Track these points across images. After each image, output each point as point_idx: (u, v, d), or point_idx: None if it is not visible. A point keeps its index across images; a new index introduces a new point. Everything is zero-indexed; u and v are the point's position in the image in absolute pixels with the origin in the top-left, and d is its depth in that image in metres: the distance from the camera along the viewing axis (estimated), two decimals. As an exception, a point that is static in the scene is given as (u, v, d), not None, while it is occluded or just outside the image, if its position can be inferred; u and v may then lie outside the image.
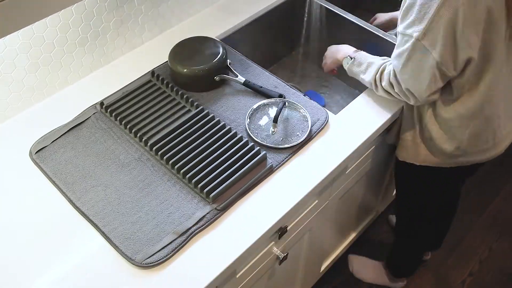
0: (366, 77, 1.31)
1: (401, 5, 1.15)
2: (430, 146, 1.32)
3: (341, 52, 1.41)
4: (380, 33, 1.57)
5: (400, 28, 1.13)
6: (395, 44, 1.52)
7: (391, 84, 1.23)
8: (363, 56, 1.34)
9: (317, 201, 1.33)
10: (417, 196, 1.56)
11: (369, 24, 1.60)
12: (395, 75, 1.20)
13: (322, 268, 1.83)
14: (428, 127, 1.29)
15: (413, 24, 1.09)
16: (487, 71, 1.16)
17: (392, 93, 1.25)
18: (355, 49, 1.39)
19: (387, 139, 1.48)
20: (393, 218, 2.12)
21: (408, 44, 1.11)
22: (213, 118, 1.27)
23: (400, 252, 1.82)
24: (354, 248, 1.99)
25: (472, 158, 1.32)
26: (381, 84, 1.26)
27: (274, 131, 1.25)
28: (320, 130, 1.27)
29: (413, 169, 1.41)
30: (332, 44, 1.50)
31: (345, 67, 1.38)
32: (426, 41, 1.08)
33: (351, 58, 1.35)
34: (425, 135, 1.31)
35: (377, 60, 1.29)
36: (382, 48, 1.59)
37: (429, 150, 1.33)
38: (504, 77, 1.20)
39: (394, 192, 2.03)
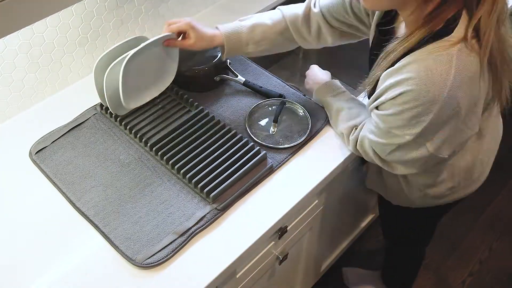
0: (333, 124, 1.25)
1: (370, 76, 1.06)
2: (422, 194, 1.26)
3: (318, 80, 1.32)
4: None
5: (385, 125, 1.03)
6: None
7: (365, 153, 1.15)
8: (329, 101, 1.25)
9: (317, 201, 1.33)
10: (401, 231, 1.55)
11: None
12: (373, 150, 1.12)
13: (322, 268, 1.83)
14: (411, 179, 1.23)
15: (403, 128, 1.00)
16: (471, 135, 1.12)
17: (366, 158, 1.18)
18: (329, 79, 1.31)
19: (369, 185, 1.42)
20: None
21: (398, 141, 1.03)
22: (213, 118, 1.27)
23: (392, 266, 1.80)
24: (348, 255, 1.97)
25: (465, 191, 1.28)
26: (347, 144, 1.21)
27: (274, 131, 1.25)
28: (320, 130, 1.27)
29: (397, 208, 1.37)
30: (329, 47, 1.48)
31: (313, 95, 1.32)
32: (420, 139, 1.01)
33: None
34: (414, 185, 1.25)
35: (345, 118, 1.20)
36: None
37: (422, 197, 1.27)
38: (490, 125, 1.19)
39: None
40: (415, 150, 1.04)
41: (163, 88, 1.28)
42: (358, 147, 1.16)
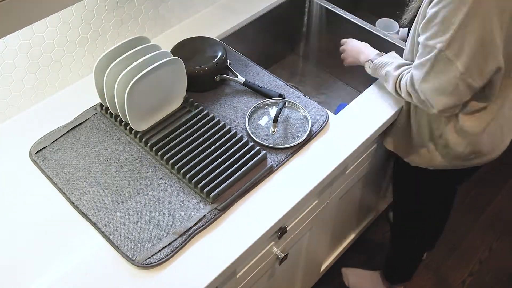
0: (388, 86, 1.29)
1: (418, 15, 1.14)
2: (444, 152, 1.30)
3: (363, 54, 1.38)
4: (380, 33, 1.57)
5: (421, 38, 1.11)
6: (395, 44, 1.53)
7: (409, 94, 1.20)
8: (383, 62, 1.30)
9: (317, 201, 1.33)
10: (417, 198, 1.55)
11: (369, 24, 1.60)
12: (412, 85, 1.17)
13: (322, 268, 1.83)
14: (444, 136, 1.27)
15: (436, 35, 1.07)
16: (509, 80, 1.15)
17: (412, 102, 1.23)
18: (377, 52, 1.36)
19: (386, 143, 1.46)
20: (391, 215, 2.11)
21: (431, 55, 1.09)
22: (213, 118, 1.27)
23: (397, 255, 1.81)
24: (349, 254, 1.97)
25: (485, 158, 1.31)
26: (401, 95, 1.24)
27: (274, 131, 1.25)
28: (320, 130, 1.27)
29: (415, 171, 1.40)
30: (331, 44, 1.49)
31: (368, 71, 1.37)
32: (450, 51, 1.06)
33: (372, 62, 1.33)
34: (439, 142, 1.29)
35: (394, 70, 1.25)
36: (382, 49, 1.59)
37: (444, 156, 1.31)
38: None
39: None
40: (446, 71, 1.08)
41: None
42: (407, 87, 1.19)
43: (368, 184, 1.71)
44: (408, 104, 1.32)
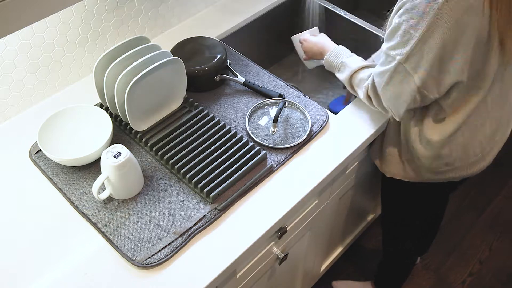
0: (341, 76, 1.30)
1: (387, 24, 1.15)
2: (417, 165, 1.29)
3: (324, 48, 1.38)
4: (380, 33, 1.57)
5: (384, 47, 1.12)
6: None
7: (368, 97, 1.22)
8: (341, 51, 1.32)
9: (317, 201, 1.33)
10: (404, 211, 1.53)
11: (369, 24, 1.60)
12: (374, 90, 1.19)
13: (322, 268, 1.83)
14: (414, 146, 1.26)
15: (397, 47, 1.08)
16: (476, 93, 1.15)
17: (369, 104, 1.24)
18: (335, 45, 1.37)
19: (371, 155, 1.44)
20: None
21: (391, 65, 1.10)
22: (213, 118, 1.27)
23: (388, 264, 1.80)
24: (340, 263, 1.97)
25: (461, 172, 1.29)
26: (357, 90, 1.26)
27: (274, 131, 1.25)
28: (320, 130, 1.27)
29: (400, 184, 1.39)
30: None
31: (324, 62, 1.37)
32: (408, 64, 1.07)
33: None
34: (413, 154, 1.28)
35: (354, 63, 1.27)
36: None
37: (417, 169, 1.30)
38: (493, 95, 1.19)
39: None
40: (405, 82, 1.10)
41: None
42: (368, 91, 1.21)
43: (368, 185, 1.71)
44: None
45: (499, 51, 1.08)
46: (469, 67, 1.08)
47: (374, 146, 1.41)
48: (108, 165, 1.06)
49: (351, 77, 1.26)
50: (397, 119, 1.21)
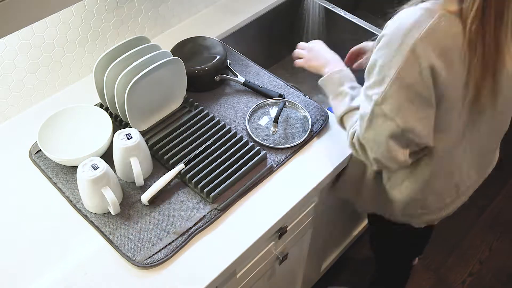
0: (333, 104, 1.16)
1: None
2: (392, 208, 1.22)
3: (331, 65, 1.21)
4: (380, 33, 1.56)
5: (364, 86, 1.01)
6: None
7: (353, 144, 1.07)
8: (348, 77, 1.16)
9: (317, 201, 1.33)
10: (388, 247, 1.49)
11: (369, 24, 1.60)
12: (357, 139, 1.05)
13: (322, 268, 1.83)
14: (388, 191, 1.18)
15: (373, 86, 0.97)
16: (442, 140, 1.05)
17: (355, 154, 1.10)
18: (342, 67, 1.20)
19: (336, 192, 1.35)
20: None
21: (370, 108, 0.98)
22: (213, 118, 1.27)
23: (381, 272, 1.75)
24: (335, 270, 1.96)
25: (438, 214, 1.22)
26: (346, 133, 1.11)
27: (274, 131, 1.25)
28: (320, 130, 1.27)
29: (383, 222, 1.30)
30: (331, 44, 1.47)
31: (322, 79, 1.20)
32: (386, 106, 0.95)
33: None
34: (387, 197, 1.20)
35: (352, 101, 1.11)
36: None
37: (393, 212, 1.23)
38: (464, 141, 1.10)
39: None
40: (385, 126, 0.97)
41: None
42: (353, 137, 1.07)
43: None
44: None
45: (471, 103, 0.99)
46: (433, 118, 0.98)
47: (340, 184, 1.31)
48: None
49: (345, 114, 1.11)
50: (393, 169, 1.09)
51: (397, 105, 0.95)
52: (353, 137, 1.06)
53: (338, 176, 1.29)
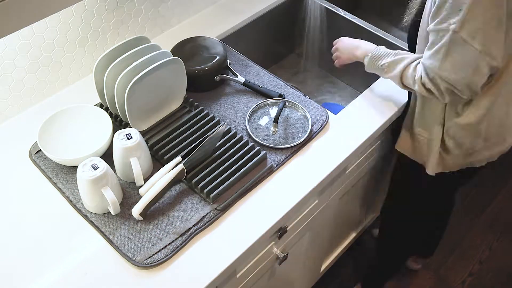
0: (388, 75, 1.24)
1: (425, 8, 1.12)
2: (457, 152, 1.28)
3: (360, 49, 1.32)
4: (380, 33, 1.57)
5: (431, 26, 1.08)
6: (395, 45, 1.53)
7: (427, 89, 1.14)
8: (383, 53, 1.25)
9: (317, 201, 1.33)
10: (414, 199, 1.53)
11: (369, 24, 1.60)
12: (427, 75, 1.12)
13: (322, 268, 1.83)
14: (452, 130, 1.25)
15: (448, 17, 1.03)
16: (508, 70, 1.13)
17: (431, 96, 1.17)
18: (375, 46, 1.30)
19: (398, 145, 1.42)
20: (376, 232, 2.09)
21: (445, 39, 1.05)
22: (213, 118, 1.27)
23: (379, 262, 1.79)
24: (340, 266, 1.97)
25: (497, 148, 1.28)
26: (413, 87, 1.18)
27: (274, 131, 1.25)
28: (320, 130, 1.27)
29: (416, 174, 1.38)
30: (330, 44, 1.48)
31: (365, 65, 1.30)
32: (464, 32, 1.02)
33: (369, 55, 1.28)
34: (450, 141, 1.27)
35: (400, 61, 1.20)
36: (382, 48, 1.58)
37: (456, 157, 1.29)
38: None
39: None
40: (464, 53, 1.05)
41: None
42: (422, 81, 1.14)
43: (368, 184, 1.71)
44: (418, 101, 1.30)
45: None
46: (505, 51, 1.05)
47: (404, 140, 1.39)
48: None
49: (401, 78, 1.20)
50: (468, 97, 1.13)
51: (474, 29, 1.02)
52: (421, 79, 1.14)
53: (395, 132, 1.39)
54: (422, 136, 1.33)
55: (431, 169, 1.34)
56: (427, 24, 1.13)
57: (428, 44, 1.11)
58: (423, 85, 1.14)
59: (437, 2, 1.06)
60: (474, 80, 1.09)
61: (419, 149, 1.36)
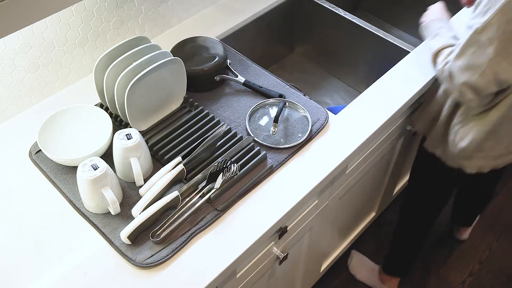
0: (431, 45, 1.29)
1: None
2: (454, 147, 1.31)
3: (434, 16, 1.38)
4: (380, 33, 1.57)
5: (467, 20, 1.13)
6: (395, 45, 1.54)
7: (442, 72, 1.20)
8: (433, 26, 1.32)
9: (317, 201, 1.33)
10: (430, 191, 1.59)
11: (369, 24, 1.60)
12: (449, 67, 1.18)
13: (322, 268, 1.83)
14: (458, 131, 1.28)
15: (477, 16, 1.08)
16: None
17: (445, 83, 1.22)
18: (439, 16, 1.36)
19: (428, 145, 1.47)
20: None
21: (467, 36, 1.10)
22: (213, 118, 1.27)
23: (398, 245, 1.81)
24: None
25: (492, 162, 1.32)
26: (436, 67, 1.25)
27: (274, 131, 1.25)
28: (320, 130, 1.27)
29: (436, 164, 1.43)
30: (331, 44, 1.48)
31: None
32: (484, 35, 1.06)
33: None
34: (473, 145, 1.29)
35: (446, 39, 1.25)
36: (382, 48, 1.59)
37: (481, 159, 1.32)
38: None
39: (394, 192, 2.03)
40: (479, 53, 1.07)
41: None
42: (443, 67, 1.20)
43: (368, 184, 1.71)
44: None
45: None
46: None
47: (436, 133, 1.42)
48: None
49: (442, 48, 1.24)
50: (477, 99, 1.16)
51: (493, 36, 1.05)
52: (445, 65, 1.19)
53: (416, 109, 1.45)
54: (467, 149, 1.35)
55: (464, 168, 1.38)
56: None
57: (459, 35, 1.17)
58: (442, 72, 1.20)
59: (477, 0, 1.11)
60: (477, 85, 1.11)
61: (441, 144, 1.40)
